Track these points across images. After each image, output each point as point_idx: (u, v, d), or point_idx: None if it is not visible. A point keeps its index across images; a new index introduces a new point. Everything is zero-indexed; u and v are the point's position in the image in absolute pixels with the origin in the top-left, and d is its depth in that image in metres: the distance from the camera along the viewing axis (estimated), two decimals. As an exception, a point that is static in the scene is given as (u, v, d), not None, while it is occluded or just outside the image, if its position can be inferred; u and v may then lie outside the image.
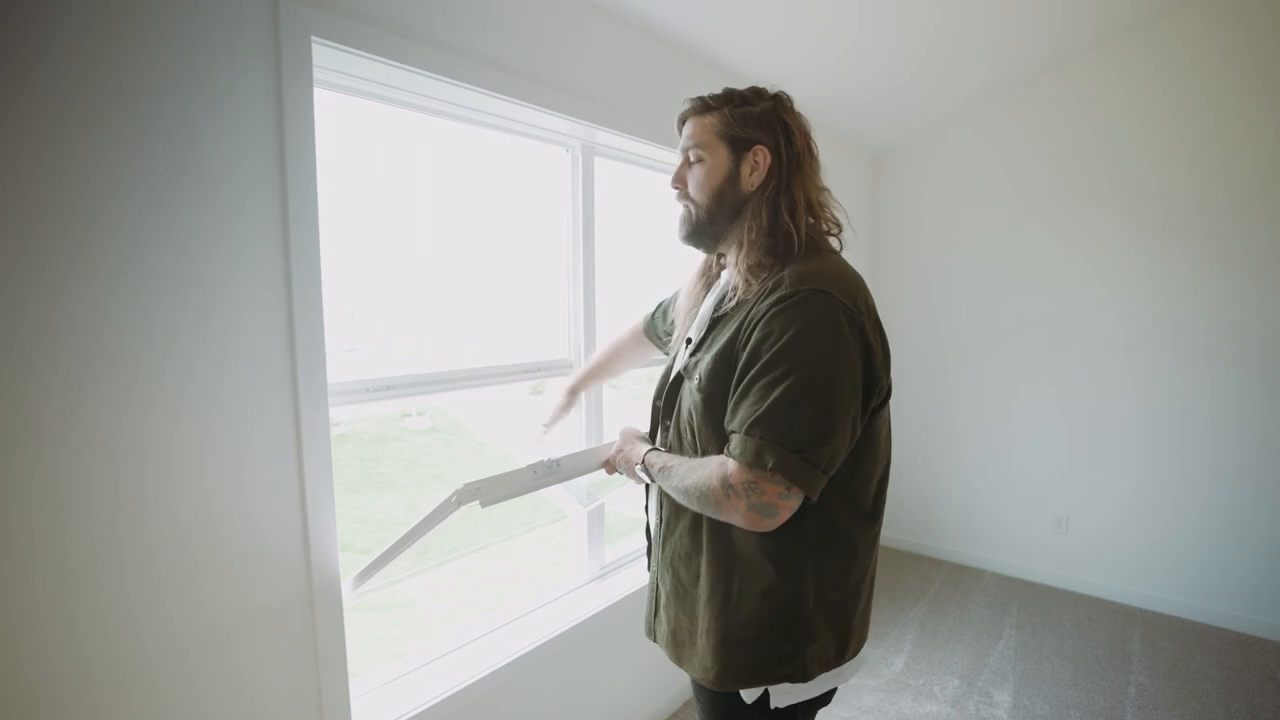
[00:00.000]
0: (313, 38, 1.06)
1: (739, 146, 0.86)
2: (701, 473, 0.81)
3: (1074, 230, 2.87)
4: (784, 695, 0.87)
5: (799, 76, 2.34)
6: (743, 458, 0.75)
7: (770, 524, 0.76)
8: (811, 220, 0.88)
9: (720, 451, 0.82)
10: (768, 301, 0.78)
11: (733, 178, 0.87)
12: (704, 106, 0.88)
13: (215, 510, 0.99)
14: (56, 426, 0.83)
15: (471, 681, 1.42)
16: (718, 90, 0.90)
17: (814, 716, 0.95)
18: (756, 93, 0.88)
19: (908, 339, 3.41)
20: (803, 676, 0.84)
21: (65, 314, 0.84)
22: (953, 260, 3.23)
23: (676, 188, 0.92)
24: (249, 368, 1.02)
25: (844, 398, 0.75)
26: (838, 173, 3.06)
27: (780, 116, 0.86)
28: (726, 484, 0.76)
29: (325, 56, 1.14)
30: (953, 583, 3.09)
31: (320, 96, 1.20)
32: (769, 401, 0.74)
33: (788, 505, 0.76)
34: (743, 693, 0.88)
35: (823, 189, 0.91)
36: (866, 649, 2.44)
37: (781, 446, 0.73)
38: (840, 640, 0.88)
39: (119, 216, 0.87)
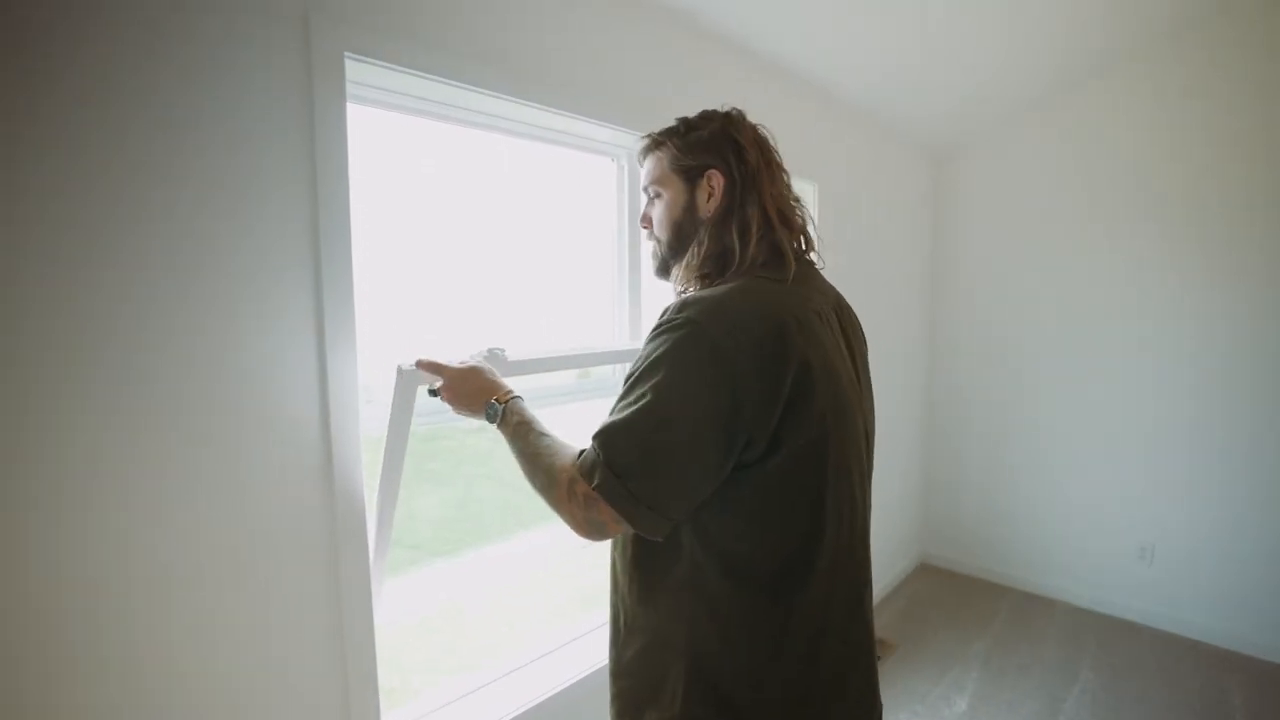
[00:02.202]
0: (346, 54, 1.01)
1: (692, 175, 0.83)
2: (560, 459, 0.77)
3: (1163, 237, 2.60)
4: None
5: (857, 70, 2.19)
6: (583, 465, 0.73)
7: (600, 537, 0.75)
8: (773, 237, 0.81)
9: None
10: (654, 327, 0.75)
11: (690, 207, 0.84)
12: (655, 143, 0.87)
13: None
14: (103, 400, 0.83)
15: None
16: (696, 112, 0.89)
17: None
18: (705, 117, 0.86)
19: (974, 345, 3.19)
20: None
21: (108, 310, 0.83)
22: (1024, 266, 2.99)
23: (644, 227, 0.91)
24: (282, 375, 0.99)
25: (683, 435, 0.69)
26: (897, 174, 2.89)
27: (730, 135, 0.83)
28: (573, 486, 0.73)
29: (361, 72, 1.09)
30: (1020, 614, 2.87)
31: (359, 112, 1.16)
32: (615, 417, 0.72)
33: (619, 528, 0.73)
34: None
35: (793, 201, 0.86)
36: (924, 685, 2.32)
37: (609, 467, 0.70)
38: None
39: (153, 224, 0.86)
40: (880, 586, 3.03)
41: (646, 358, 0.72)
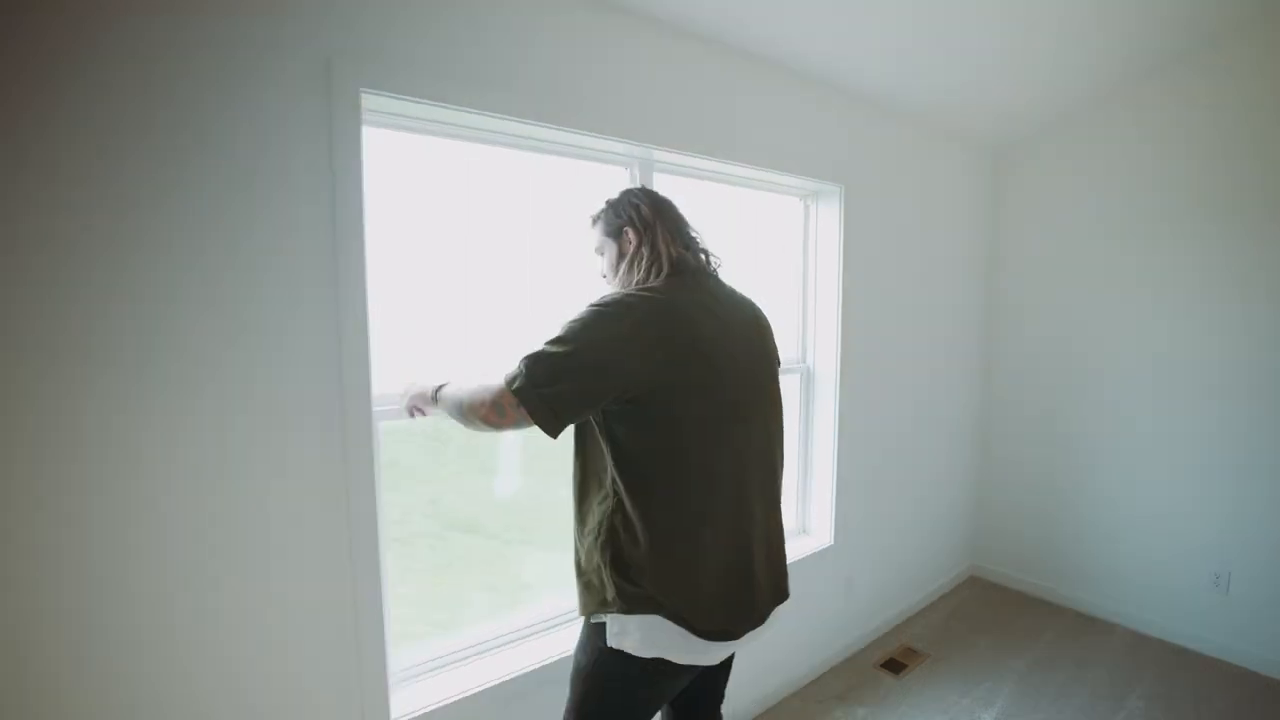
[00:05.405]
0: (362, 90, 1.17)
1: (616, 234, 1.21)
2: (477, 382, 1.07)
3: (1247, 245, 2.36)
4: (614, 635, 1.05)
5: (895, 73, 2.15)
6: (510, 372, 1.02)
7: (499, 420, 1.02)
8: (669, 259, 1.13)
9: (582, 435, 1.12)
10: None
11: (620, 254, 1.21)
12: (594, 219, 1.26)
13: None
14: (126, 400, 1.03)
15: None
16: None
17: (657, 689, 1.10)
18: (621, 195, 1.25)
19: (1036, 345, 3.03)
20: (618, 607, 1.03)
21: (115, 329, 1.02)
22: (1094, 268, 2.80)
23: (603, 275, 1.25)
24: (296, 396, 1.18)
25: (581, 366, 0.98)
26: (942, 178, 2.77)
27: (631, 202, 1.21)
28: (486, 388, 1.04)
29: (377, 100, 1.25)
30: (1072, 634, 2.70)
31: (379, 136, 1.34)
32: (540, 347, 1.01)
33: (519, 413, 1.00)
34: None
35: (691, 234, 1.22)
36: (951, 695, 2.26)
37: (529, 376, 0.99)
38: (677, 603, 1.02)
39: (176, 244, 1.04)
40: (922, 595, 2.95)
41: (574, 318, 1.02)
